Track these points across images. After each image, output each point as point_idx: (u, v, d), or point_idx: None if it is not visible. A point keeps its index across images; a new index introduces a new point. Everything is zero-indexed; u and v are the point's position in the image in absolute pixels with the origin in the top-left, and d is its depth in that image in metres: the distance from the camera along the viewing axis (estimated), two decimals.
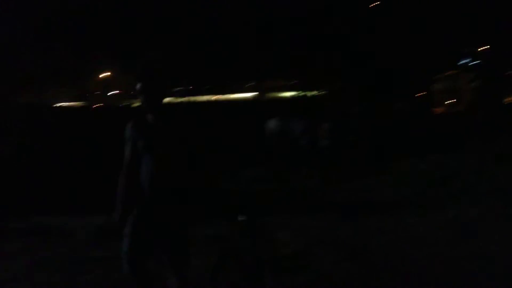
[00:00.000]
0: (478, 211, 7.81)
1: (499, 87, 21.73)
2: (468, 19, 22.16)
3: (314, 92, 23.79)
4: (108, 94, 29.24)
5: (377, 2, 22.36)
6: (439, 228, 7.20)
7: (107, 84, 29.36)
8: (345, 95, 22.26)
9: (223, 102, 25.55)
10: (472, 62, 25.40)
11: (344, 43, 22.17)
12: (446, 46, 23.25)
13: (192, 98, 27.20)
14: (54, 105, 27.05)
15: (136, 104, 27.71)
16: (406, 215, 7.99)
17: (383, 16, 22.58)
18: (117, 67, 28.45)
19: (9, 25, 24.80)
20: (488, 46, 24.10)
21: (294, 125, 15.29)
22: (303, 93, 24.12)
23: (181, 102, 26.95)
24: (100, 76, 29.64)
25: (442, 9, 22.32)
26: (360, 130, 16.27)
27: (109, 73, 29.33)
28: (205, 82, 28.41)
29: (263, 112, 16.98)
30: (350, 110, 19.71)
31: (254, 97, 26.87)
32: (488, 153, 11.53)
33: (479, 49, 24.83)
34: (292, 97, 23.62)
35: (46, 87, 26.81)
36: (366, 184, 10.47)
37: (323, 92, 23.51)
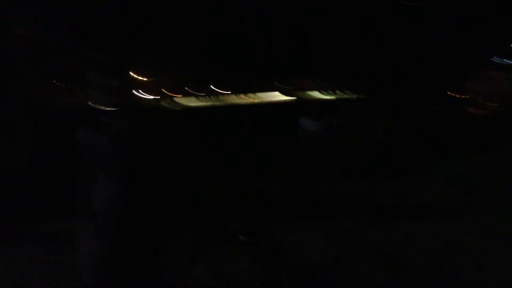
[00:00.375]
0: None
1: None
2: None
3: (349, 93, 23.24)
4: None
5: None
6: (482, 235, 6.59)
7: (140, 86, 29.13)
8: (378, 94, 21.60)
9: (256, 104, 25.05)
10: (508, 60, 24.32)
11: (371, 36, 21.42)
12: (481, 41, 22.34)
13: (225, 100, 26.88)
14: None
15: None
16: (444, 221, 7.40)
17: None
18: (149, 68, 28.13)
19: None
20: None
21: (330, 125, 14.78)
22: (338, 94, 23.57)
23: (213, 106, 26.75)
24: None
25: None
26: (393, 130, 15.60)
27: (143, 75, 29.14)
28: (233, 82, 27.85)
29: (299, 113, 16.48)
30: (384, 110, 19.02)
31: (288, 98, 26.29)
32: None
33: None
34: (327, 99, 22.89)
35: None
36: (400, 186, 9.84)
37: (358, 93, 22.96)
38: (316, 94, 26.07)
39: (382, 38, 22.03)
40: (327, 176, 11.26)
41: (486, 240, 6.77)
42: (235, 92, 28.48)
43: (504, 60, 24.45)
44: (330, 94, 25.05)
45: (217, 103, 26.63)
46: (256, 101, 27.52)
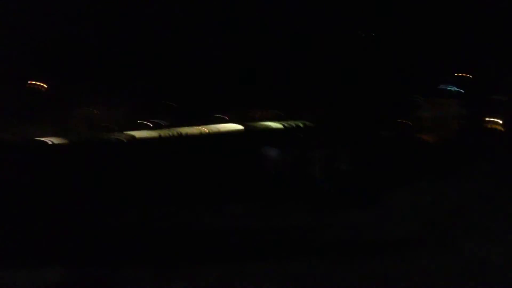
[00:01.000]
0: (496, 248, 6.42)
1: (484, 113, 20.70)
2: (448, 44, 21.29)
3: (301, 122, 22.73)
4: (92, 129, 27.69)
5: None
6: (457, 270, 5.83)
7: (91, 119, 27.86)
8: (332, 123, 21.20)
9: (210, 134, 24.40)
10: (452, 87, 24.42)
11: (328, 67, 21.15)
12: (425, 71, 22.37)
13: (176, 130, 25.95)
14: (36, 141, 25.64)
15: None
16: (416, 256, 6.60)
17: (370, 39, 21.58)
18: (101, 102, 27.03)
19: None
20: (468, 74, 23.17)
21: (286, 155, 14.10)
22: (290, 123, 23.03)
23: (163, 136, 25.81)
24: (84, 110, 28.14)
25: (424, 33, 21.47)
26: (349, 159, 15.00)
27: (93, 108, 27.90)
28: (187, 112, 26.93)
29: (252, 143, 15.87)
30: (338, 139, 18.55)
31: (241, 128, 25.54)
32: (486, 179, 10.20)
33: (458, 75, 23.92)
34: (281, 127, 22.40)
35: (27, 122, 25.26)
36: (362, 219, 9.02)
37: (310, 122, 22.47)
38: (269, 124, 25.58)
39: (334, 68, 21.76)
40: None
41: None
42: (187, 124, 27.73)
43: (449, 87, 24.60)
44: (282, 124, 24.53)
45: (168, 135, 25.74)
46: (207, 131, 26.83)
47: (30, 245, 7.33)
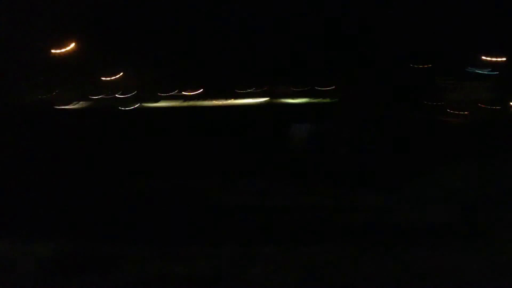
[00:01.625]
0: None
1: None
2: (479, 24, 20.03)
3: (327, 99, 21.89)
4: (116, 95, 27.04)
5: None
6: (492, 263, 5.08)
7: (116, 85, 27.20)
8: (359, 102, 20.32)
9: (234, 107, 23.78)
10: (484, 70, 23.18)
11: (352, 46, 20.12)
12: (457, 52, 21.13)
13: (199, 103, 25.27)
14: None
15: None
16: (447, 245, 5.85)
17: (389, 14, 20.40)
18: (127, 68, 26.28)
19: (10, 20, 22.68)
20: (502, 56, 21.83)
21: (311, 132, 13.41)
22: (315, 100, 22.19)
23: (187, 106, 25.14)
24: (109, 77, 27.49)
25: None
26: (375, 139, 14.23)
27: (119, 74, 27.23)
28: (212, 86, 26.11)
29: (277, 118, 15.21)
30: (365, 118, 17.89)
31: (265, 103, 24.74)
32: None
33: (492, 58, 22.60)
34: (305, 103, 21.62)
35: (52, 87, 24.69)
36: (389, 203, 8.24)
37: (335, 99, 21.59)
38: (294, 100, 24.71)
39: (363, 46, 20.80)
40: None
41: None
42: (211, 97, 27.02)
43: (481, 70, 23.40)
44: (308, 100, 23.72)
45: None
46: (232, 104, 26.11)
47: (29, 214, 6.78)
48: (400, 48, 20.09)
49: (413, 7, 20.33)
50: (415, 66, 20.74)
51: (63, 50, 26.07)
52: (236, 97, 27.20)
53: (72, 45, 25.64)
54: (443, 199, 8.14)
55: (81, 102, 27.17)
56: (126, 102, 26.84)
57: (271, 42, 22.79)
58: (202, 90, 27.88)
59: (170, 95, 27.06)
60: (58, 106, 25.81)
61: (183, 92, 27.73)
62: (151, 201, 8.16)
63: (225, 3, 24.08)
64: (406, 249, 5.82)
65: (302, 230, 6.58)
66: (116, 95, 26.88)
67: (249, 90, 27.63)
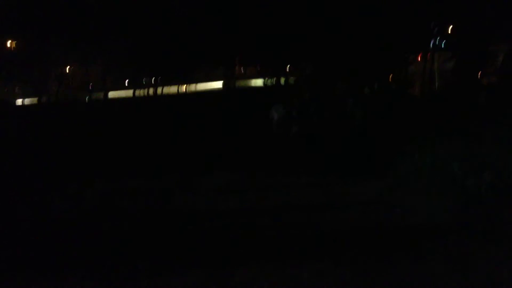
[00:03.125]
0: None
1: (479, 65, 18.76)
2: None
3: (289, 78, 20.73)
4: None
5: None
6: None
7: (66, 78, 25.33)
8: (317, 79, 19.30)
9: (194, 93, 22.30)
10: (443, 41, 22.35)
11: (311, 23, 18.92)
12: (413, 25, 20.18)
13: (157, 90, 23.76)
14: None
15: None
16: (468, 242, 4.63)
17: None
18: (76, 61, 24.43)
19: None
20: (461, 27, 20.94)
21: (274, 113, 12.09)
22: (276, 80, 20.94)
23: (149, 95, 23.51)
24: (59, 70, 25.51)
25: None
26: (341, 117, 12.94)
27: (67, 67, 25.33)
28: (169, 72, 24.49)
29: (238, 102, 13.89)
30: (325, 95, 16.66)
31: (224, 87, 23.35)
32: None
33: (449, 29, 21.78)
34: (266, 85, 20.40)
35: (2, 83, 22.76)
36: (375, 192, 6.94)
37: (295, 78, 20.48)
38: (259, 82, 23.52)
39: (321, 24, 19.57)
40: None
41: None
42: (169, 83, 25.43)
43: (438, 42, 22.69)
44: (267, 81, 22.49)
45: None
46: (191, 90, 24.71)
47: None
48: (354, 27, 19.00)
49: None
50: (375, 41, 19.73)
51: (7, 44, 24.07)
52: (193, 82, 25.71)
53: (13, 40, 23.69)
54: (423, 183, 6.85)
55: (29, 98, 25.32)
56: (77, 95, 25.11)
57: (230, 23, 21.39)
58: (157, 78, 26.36)
59: (122, 85, 25.46)
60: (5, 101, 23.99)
61: (137, 82, 26.21)
62: (92, 207, 6.65)
63: None
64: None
65: (289, 240, 5.22)
66: (63, 89, 25.10)
67: (206, 74, 26.18)
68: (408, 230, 5.28)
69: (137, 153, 10.56)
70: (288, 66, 22.54)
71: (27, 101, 23.51)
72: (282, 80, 20.50)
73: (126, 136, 12.30)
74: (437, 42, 21.88)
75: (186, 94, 22.39)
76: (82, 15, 22.06)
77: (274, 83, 20.73)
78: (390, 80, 20.10)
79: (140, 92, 24.49)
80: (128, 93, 24.84)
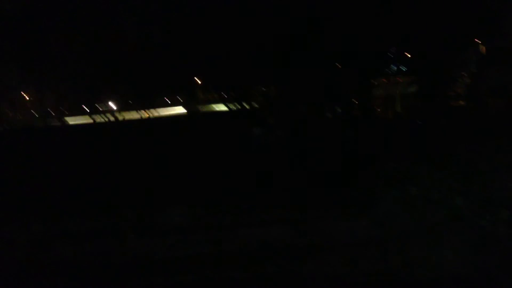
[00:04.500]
0: None
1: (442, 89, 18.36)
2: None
3: (249, 104, 19.61)
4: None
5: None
6: None
7: (20, 104, 23.49)
8: (283, 104, 18.34)
9: (154, 119, 21.02)
10: (401, 66, 21.87)
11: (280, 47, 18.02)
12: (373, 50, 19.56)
13: (117, 116, 22.15)
14: None
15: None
16: None
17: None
18: (34, 86, 22.66)
19: None
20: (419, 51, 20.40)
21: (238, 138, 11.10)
22: (237, 105, 19.75)
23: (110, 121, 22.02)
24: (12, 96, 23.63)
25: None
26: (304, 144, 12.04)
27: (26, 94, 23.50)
28: (128, 96, 22.97)
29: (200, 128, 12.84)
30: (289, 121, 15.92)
31: (187, 112, 22.05)
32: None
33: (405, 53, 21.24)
34: (227, 110, 19.30)
35: None
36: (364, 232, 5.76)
37: (256, 104, 19.40)
38: (215, 106, 22.26)
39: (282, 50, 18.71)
40: None
41: None
42: (128, 109, 23.95)
43: (398, 66, 22.13)
44: (228, 106, 21.36)
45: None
46: (151, 115, 23.25)
47: None
48: (327, 48, 18.26)
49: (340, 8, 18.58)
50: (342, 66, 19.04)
51: None
52: (156, 107, 24.27)
53: None
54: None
55: None
56: (35, 121, 23.36)
57: (192, 47, 20.22)
58: (118, 103, 24.79)
59: (82, 111, 23.91)
60: None
61: (98, 107, 24.62)
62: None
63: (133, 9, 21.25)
64: None
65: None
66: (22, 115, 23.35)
67: (169, 99, 24.82)
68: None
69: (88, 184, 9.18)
70: (251, 89, 21.52)
71: None
72: (246, 105, 19.34)
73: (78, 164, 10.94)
74: (398, 67, 21.36)
75: (145, 120, 20.98)
76: (37, 39, 20.46)
77: (237, 107, 19.56)
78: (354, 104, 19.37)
79: (97, 118, 22.93)
80: (86, 119, 23.18)
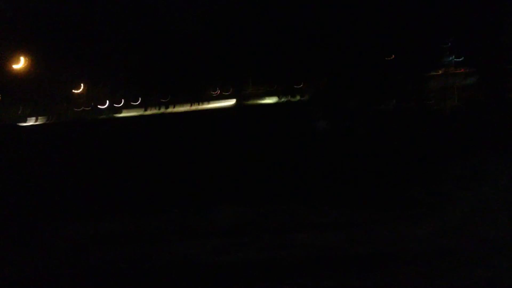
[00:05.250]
0: None
1: (500, 82, 17.05)
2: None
3: (297, 97, 18.91)
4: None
5: None
6: None
7: (77, 99, 23.55)
8: (334, 96, 17.59)
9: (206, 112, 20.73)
10: (458, 58, 20.56)
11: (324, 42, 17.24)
12: (429, 42, 18.57)
13: (169, 109, 21.83)
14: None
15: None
16: None
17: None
18: (87, 81, 22.66)
19: None
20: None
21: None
22: (286, 98, 19.07)
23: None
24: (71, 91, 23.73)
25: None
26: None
27: (80, 88, 23.54)
28: (180, 90, 22.59)
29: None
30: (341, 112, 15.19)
31: (237, 105, 21.50)
32: None
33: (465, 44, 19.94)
34: (277, 103, 18.63)
35: (11, 104, 21.05)
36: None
37: (307, 96, 18.63)
38: (265, 100, 21.59)
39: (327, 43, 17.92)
40: None
41: None
42: (180, 102, 23.67)
43: (455, 58, 20.89)
44: (278, 99, 20.67)
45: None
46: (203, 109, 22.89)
47: None
48: (370, 42, 17.37)
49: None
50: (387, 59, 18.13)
51: (17, 65, 22.50)
52: (203, 102, 23.83)
53: (26, 59, 22.14)
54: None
55: (41, 118, 23.62)
56: (88, 114, 23.41)
57: (238, 42, 19.67)
58: (167, 96, 24.52)
59: (134, 104, 23.86)
60: (18, 123, 22.35)
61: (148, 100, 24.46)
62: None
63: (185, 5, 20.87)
64: None
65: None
66: (77, 109, 23.43)
67: (217, 93, 24.35)
68: None
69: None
70: (302, 83, 20.77)
71: (33, 121, 21.87)
72: (297, 98, 18.61)
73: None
74: (455, 59, 20.09)
75: (198, 112, 20.61)
76: (90, 36, 20.40)
77: (287, 100, 18.86)
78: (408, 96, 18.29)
79: (153, 112, 22.75)
80: (139, 111, 23.00)
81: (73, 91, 24.42)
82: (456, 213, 5.23)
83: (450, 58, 20.82)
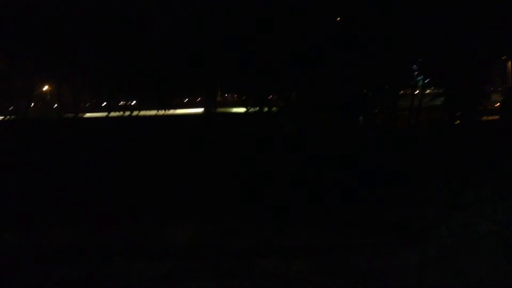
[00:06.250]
0: None
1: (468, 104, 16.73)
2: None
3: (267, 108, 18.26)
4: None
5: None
6: None
7: (43, 97, 22.34)
8: (301, 110, 16.97)
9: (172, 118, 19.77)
10: (425, 78, 20.30)
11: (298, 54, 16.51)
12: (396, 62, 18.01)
13: (136, 113, 20.80)
14: None
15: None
16: None
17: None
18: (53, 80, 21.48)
19: None
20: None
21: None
22: (255, 109, 18.32)
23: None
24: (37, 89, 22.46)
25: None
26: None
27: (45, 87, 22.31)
28: (149, 96, 21.58)
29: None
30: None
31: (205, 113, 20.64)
32: None
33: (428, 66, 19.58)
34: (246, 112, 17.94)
35: None
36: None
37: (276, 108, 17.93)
38: (235, 109, 20.88)
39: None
40: None
41: None
42: (148, 108, 22.70)
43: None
44: (249, 109, 19.98)
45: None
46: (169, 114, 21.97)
47: None
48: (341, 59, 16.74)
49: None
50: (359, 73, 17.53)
51: None
52: (174, 107, 22.89)
53: None
54: None
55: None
56: (52, 113, 22.21)
57: (212, 49, 18.79)
58: (137, 100, 23.49)
59: (103, 106, 22.80)
60: None
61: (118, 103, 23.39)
62: None
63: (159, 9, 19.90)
64: None
65: None
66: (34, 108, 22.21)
67: (188, 99, 23.49)
68: None
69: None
70: (271, 95, 20.07)
71: None
72: (265, 109, 17.84)
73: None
74: (423, 80, 19.77)
75: (161, 117, 19.61)
76: (57, 33, 19.19)
77: (256, 111, 18.05)
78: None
79: (120, 115, 21.66)
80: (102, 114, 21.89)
81: (37, 89, 23.11)
82: (439, 240, 4.48)
83: (419, 78, 20.53)
